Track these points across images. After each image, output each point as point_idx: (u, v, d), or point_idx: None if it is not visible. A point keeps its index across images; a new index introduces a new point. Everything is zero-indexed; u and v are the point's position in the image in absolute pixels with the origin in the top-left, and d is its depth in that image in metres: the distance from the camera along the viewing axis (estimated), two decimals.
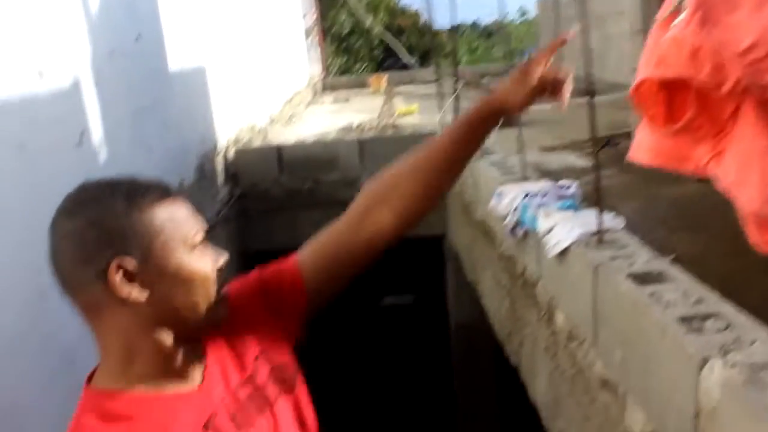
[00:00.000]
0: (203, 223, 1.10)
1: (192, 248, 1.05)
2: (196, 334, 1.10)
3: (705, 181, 4.71)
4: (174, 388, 1.06)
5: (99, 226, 1.01)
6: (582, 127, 7.82)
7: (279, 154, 5.30)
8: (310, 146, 5.40)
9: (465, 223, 4.49)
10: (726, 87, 1.27)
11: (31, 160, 2.17)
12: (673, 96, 1.38)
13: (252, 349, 1.18)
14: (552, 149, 6.11)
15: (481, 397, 6.15)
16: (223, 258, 1.09)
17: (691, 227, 3.61)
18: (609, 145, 6.11)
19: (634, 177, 4.75)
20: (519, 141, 3.42)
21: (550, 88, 1.27)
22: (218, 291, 1.08)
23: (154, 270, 1.02)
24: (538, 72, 1.24)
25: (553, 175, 4.98)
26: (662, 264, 2.04)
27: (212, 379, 1.10)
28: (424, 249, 6.10)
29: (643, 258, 2.10)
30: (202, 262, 1.05)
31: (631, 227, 2.43)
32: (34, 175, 2.18)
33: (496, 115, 1.28)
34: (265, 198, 5.22)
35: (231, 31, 6.25)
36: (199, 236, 1.06)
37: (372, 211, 1.29)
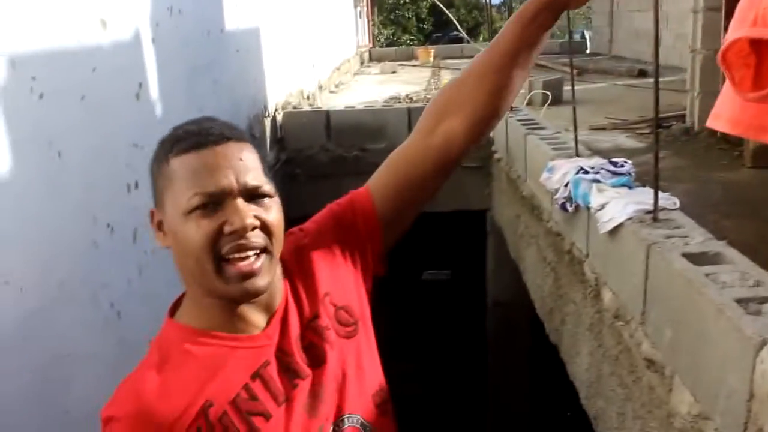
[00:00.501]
0: (255, 180, 1.01)
1: (186, 212, 0.98)
2: (225, 298, 1.03)
3: (759, 168, 4.60)
4: (237, 332, 1.07)
5: (150, 173, 1.04)
6: (633, 107, 7.75)
7: (327, 120, 5.30)
8: (358, 113, 5.39)
9: (511, 199, 4.45)
10: None
11: (91, 111, 2.20)
12: (763, 59, 1.33)
13: (323, 289, 1.15)
14: (602, 128, 6.03)
15: (514, 375, 6.14)
16: (233, 224, 0.98)
17: (742, 214, 3.54)
18: (662, 127, 6.01)
19: (687, 160, 4.67)
20: (572, 117, 3.37)
21: None
22: (221, 261, 0.99)
23: (168, 224, 1.02)
24: None
25: (604, 154, 4.92)
26: (719, 245, 2.00)
27: (275, 326, 1.10)
28: (466, 223, 6.09)
29: (699, 238, 2.06)
30: (191, 230, 0.98)
31: (683, 210, 2.38)
32: (94, 126, 2.21)
33: (555, 5, 1.21)
34: (311, 164, 5.24)
35: None
36: (195, 200, 0.98)
37: (441, 123, 1.23)
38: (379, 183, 1.25)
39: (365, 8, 14.26)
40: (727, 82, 1.46)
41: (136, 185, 2.43)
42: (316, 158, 5.26)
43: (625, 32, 13.36)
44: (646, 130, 5.98)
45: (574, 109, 3.44)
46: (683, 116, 5.72)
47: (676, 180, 4.02)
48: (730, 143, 5.19)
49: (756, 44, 1.32)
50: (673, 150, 5.09)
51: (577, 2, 1.21)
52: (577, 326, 2.89)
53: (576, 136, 3.33)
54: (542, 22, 1.22)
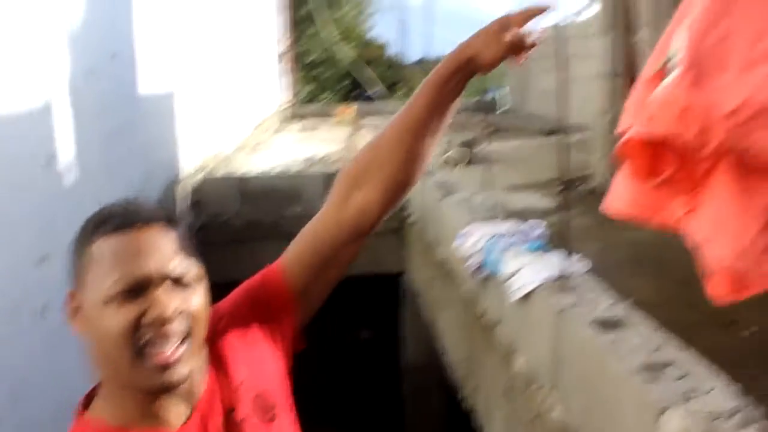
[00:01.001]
0: (174, 266, 0.97)
1: (106, 297, 0.94)
2: (143, 391, 0.97)
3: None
4: (156, 427, 1.01)
5: (72, 253, 1.00)
6: (544, 166, 7.99)
7: (242, 185, 5.28)
8: (273, 178, 5.40)
9: (426, 262, 4.51)
10: (709, 148, 1.32)
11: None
12: (656, 150, 1.42)
13: (239, 377, 1.11)
14: (516, 189, 6.23)
15: None
16: (154, 312, 0.94)
17: (646, 273, 3.69)
18: (571, 187, 6.26)
19: (595, 220, 4.85)
20: (485, 179, 3.47)
21: (518, 49, 1.22)
22: (140, 351, 0.94)
23: (86, 309, 0.97)
24: (514, 30, 1.17)
25: (518, 215, 5.07)
26: (623, 310, 2.09)
27: (195, 420, 1.04)
28: (381, 287, 6.11)
29: (606, 304, 2.14)
30: (110, 316, 0.93)
31: (592, 270, 2.48)
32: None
33: (467, 70, 1.22)
34: (227, 229, 5.18)
35: (203, 54, 6.24)
36: (117, 286, 0.93)
37: (354, 192, 1.20)
38: (293, 256, 1.23)
39: (286, 66, 14.40)
40: (624, 168, 1.55)
41: (46, 258, 2.34)
42: (231, 223, 5.21)
43: (537, 91, 13.97)
44: (556, 190, 6.22)
45: (487, 170, 3.55)
46: (590, 176, 5.99)
47: (585, 239, 4.17)
48: None
49: (653, 138, 1.41)
50: (582, 209, 5.29)
51: (488, 67, 1.24)
52: (492, 392, 2.93)
53: (490, 199, 3.43)
54: (454, 86, 1.23)
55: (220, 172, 6.04)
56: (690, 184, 1.42)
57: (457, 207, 3.65)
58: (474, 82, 1.35)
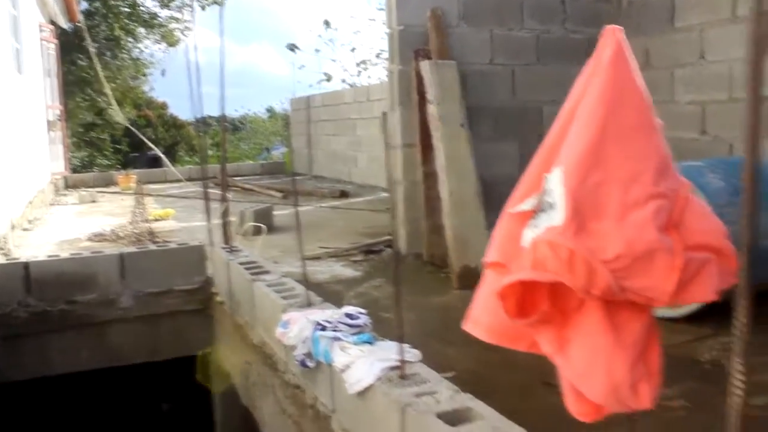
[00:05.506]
0: None
1: None
2: None
3: (465, 289, 5.02)
4: None
5: None
6: (341, 230, 8.08)
7: (26, 272, 4.75)
8: (62, 262, 4.90)
9: (239, 344, 4.31)
10: (596, 290, 1.37)
11: None
12: (529, 289, 1.46)
13: None
14: (317, 258, 6.20)
15: None
16: None
17: (461, 340, 3.80)
18: (374, 252, 6.37)
19: (402, 287, 4.93)
20: (285, 246, 3.40)
21: None
22: None
23: None
24: None
25: (323, 286, 5.05)
26: (467, 399, 2.09)
27: None
28: (188, 368, 5.76)
29: (447, 393, 2.14)
30: None
31: (408, 341, 2.47)
32: None
33: None
34: (8, 322, 4.61)
35: None
36: None
37: None
38: None
39: (59, 132, 13.41)
40: (485, 290, 1.59)
41: None
42: (14, 315, 4.65)
43: (324, 154, 14.25)
44: (359, 257, 6.30)
45: (299, 237, 3.47)
46: (391, 241, 6.13)
47: (393, 308, 4.23)
48: (436, 266, 5.66)
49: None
50: (387, 276, 5.39)
51: None
52: None
53: (306, 284, 3.36)
54: None
55: None
56: (558, 318, 1.47)
57: (272, 291, 3.52)
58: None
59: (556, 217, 1.39)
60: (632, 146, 1.42)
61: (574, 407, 1.52)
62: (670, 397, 2.91)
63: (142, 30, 20.19)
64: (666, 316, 3.72)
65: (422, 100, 5.67)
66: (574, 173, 1.40)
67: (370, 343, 2.52)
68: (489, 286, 1.58)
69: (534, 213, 1.47)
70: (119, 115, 16.32)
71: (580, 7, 6.65)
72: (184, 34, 20.02)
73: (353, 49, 25.06)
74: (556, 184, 1.42)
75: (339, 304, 3.16)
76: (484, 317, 1.65)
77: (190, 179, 14.16)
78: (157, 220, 8.77)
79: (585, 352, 1.45)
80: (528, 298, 1.48)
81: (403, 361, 2.29)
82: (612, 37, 1.52)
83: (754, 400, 2.29)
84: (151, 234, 7.63)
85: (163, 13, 20.49)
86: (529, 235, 1.45)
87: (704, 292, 1.43)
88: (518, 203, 1.56)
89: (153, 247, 5.38)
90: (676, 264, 1.37)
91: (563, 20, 6.60)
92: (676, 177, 1.49)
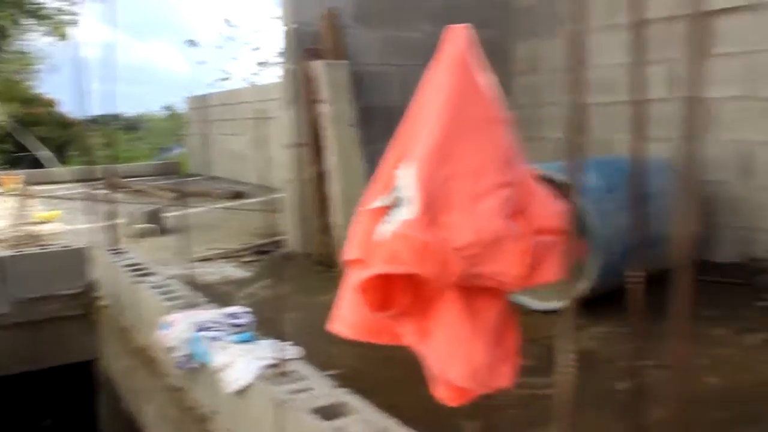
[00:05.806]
0: None
1: None
2: None
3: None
4: None
5: None
6: (234, 231, 7.93)
7: None
8: None
9: (123, 349, 4.18)
10: (449, 279, 1.40)
11: None
12: (389, 282, 1.48)
13: None
14: (207, 259, 6.08)
15: None
16: None
17: (344, 339, 3.84)
18: (264, 253, 6.30)
19: (290, 286, 4.92)
20: (176, 251, 3.33)
21: None
22: None
23: None
24: None
25: (213, 287, 4.96)
26: (342, 394, 2.11)
27: None
28: (71, 376, 5.54)
29: (324, 390, 2.15)
30: None
31: (294, 340, 2.47)
32: None
33: None
34: None
35: None
36: None
37: None
38: None
39: None
40: (349, 290, 1.60)
41: None
42: None
43: (221, 154, 13.97)
44: (251, 258, 6.22)
45: (187, 238, 3.40)
46: (282, 241, 6.09)
47: (283, 308, 4.21)
48: (325, 265, 5.66)
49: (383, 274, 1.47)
50: (276, 277, 5.34)
51: None
52: None
53: (191, 285, 3.29)
54: None
55: None
56: (418, 308, 1.50)
57: (156, 293, 3.43)
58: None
59: (410, 211, 1.42)
60: (478, 140, 1.47)
61: (441, 393, 1.55)
62: (545, 386, 3.02)
63: (31, 21, 19.20)
64: (543, 308, 3.85)
65: (312, 99, 5.66)
66: (424, 168, 1.44)
67: (250, 342, 2.50)
68: (351, 284, 1.60)
69: (389, 209, 1.49)
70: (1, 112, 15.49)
71: (473, 11, 6.81)
72: (74, 27, 19.17)
73: (256, 48, 24.77)
74: (408, 180, 1.45)
75: (228, 304, 3.12)
76: (348, 315, 1.66)
77: (79, 180, 13.59)
78: (42, 222, 8.37)
79: (446, 339, 1.49)
80: (389, 292, 1.51)
81: (281, 360, 2.29)
82: (457, 36, 1.57)
83: (618, 385, 2.41)
84: (34, 237, 7.28)
85: (53, 3, 19.56)
86: (385, 229, 1.47)
87: (551, 273, 1.50)
88: (373, 200, 1.58)
89: (33, 250, 5.14)
90: (523, 249, 1.43)
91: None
92: (521, 166, 1.55)
